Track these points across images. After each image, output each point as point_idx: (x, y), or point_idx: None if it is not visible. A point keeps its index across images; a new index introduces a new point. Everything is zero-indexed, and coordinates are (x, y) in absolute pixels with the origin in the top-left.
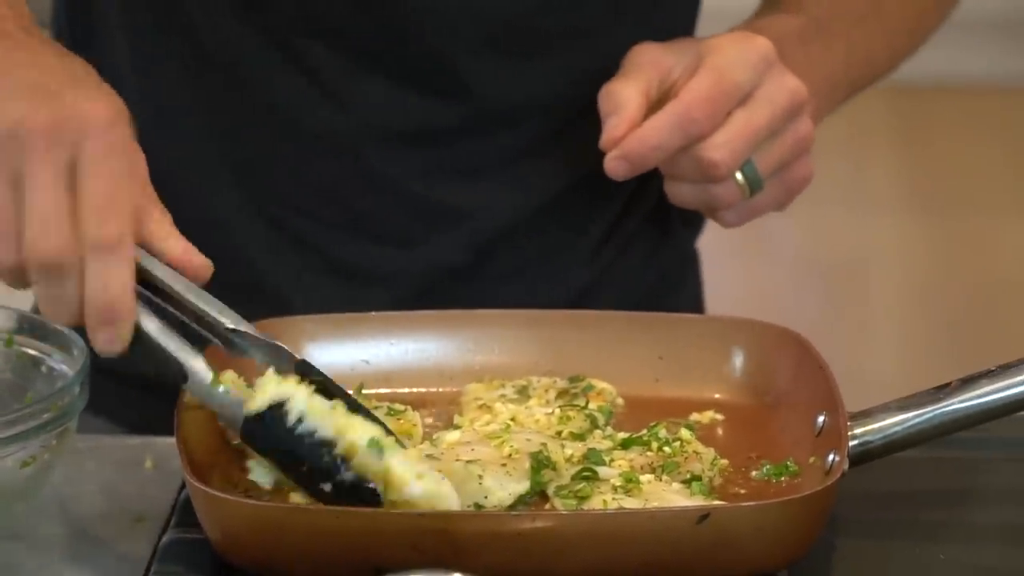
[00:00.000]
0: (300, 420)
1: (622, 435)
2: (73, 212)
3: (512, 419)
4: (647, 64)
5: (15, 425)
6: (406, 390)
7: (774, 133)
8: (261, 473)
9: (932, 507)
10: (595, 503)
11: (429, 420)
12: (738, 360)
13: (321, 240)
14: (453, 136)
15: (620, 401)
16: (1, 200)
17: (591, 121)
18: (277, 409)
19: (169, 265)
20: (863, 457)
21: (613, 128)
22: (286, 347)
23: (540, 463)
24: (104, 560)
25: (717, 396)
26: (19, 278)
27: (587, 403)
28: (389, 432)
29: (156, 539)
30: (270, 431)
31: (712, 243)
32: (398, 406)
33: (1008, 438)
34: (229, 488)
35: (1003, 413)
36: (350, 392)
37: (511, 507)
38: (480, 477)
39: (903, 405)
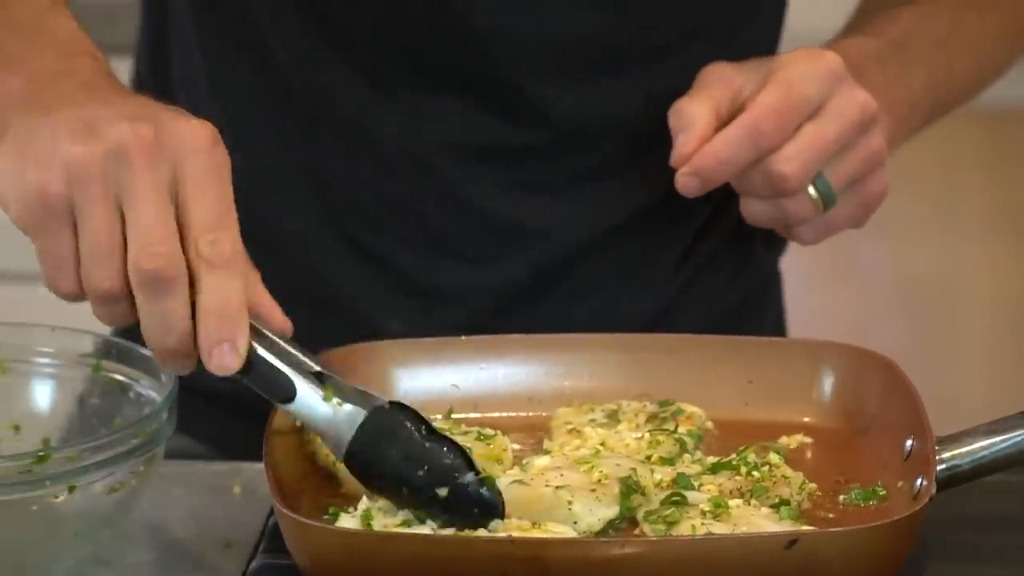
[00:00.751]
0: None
1: (711, 459)
2: (178, 228)
3: (602, 444)
4: (717, 82)
5: (103, 451)
6: (496, 414)
7: (845, 147)
8: (348, 520)
9: (1021, 531)
10: (684, 528)
11: (518, 445)
12: (827, 384)
13: (396, 256)
14: (527, 155)
15: (709, 425)
16: (104, 220)
17: (666, 142)
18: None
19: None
20: (951, 481)
21: (683, 144)
22: (373, 393)
23: (629, 488)
24: None
25: (806, 420)
26: (118, 302)
27: (676, 427)
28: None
29: (245, 565)
30: (371, 456)
31: (797, 265)
32: (488, 431)
33: None
34: (318, 514)
35: None
36: (438, 417)
37: (600, 532)
38: (570, 503)
39: (991, 429)
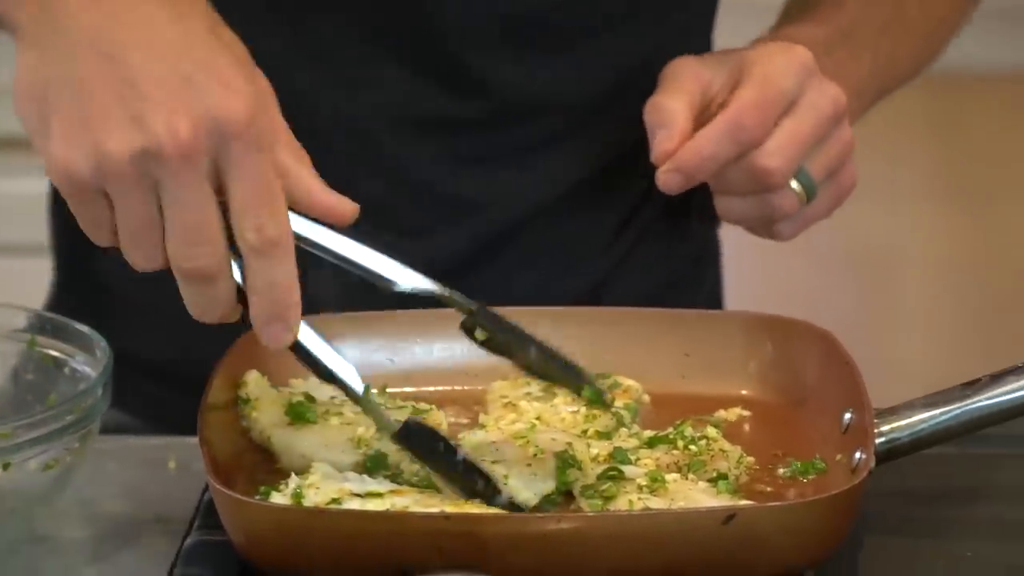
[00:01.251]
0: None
1: (648, 433)
2: (220, 219)
3: (538, 418)
4: (687, 77)
5: (37, 428)
6: (431, 388)
7: (820, 140)
8: (280, 497)
9: (960, 503)
10: (621, 503)
11: (454, 419)
12: (764, 356)
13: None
14: (468, 127)
15: (646, 398)
16: (139, 210)
17: (607, 117)
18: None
19: (320, 216)
20: (890, 454)
21: (665, 141)
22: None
23: (565, 463)
24: (127, 562)
25: (744, 393)
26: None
27: (613, 400)
28: None
29: (180, 540)
30: (418, 444)
31: (736, 236)
32: (423, 405)
33: None
34: (253, 489)
35: None
36: (374, 391)
37: (537, 507)
38: (506, 477)
39: (930, 402)
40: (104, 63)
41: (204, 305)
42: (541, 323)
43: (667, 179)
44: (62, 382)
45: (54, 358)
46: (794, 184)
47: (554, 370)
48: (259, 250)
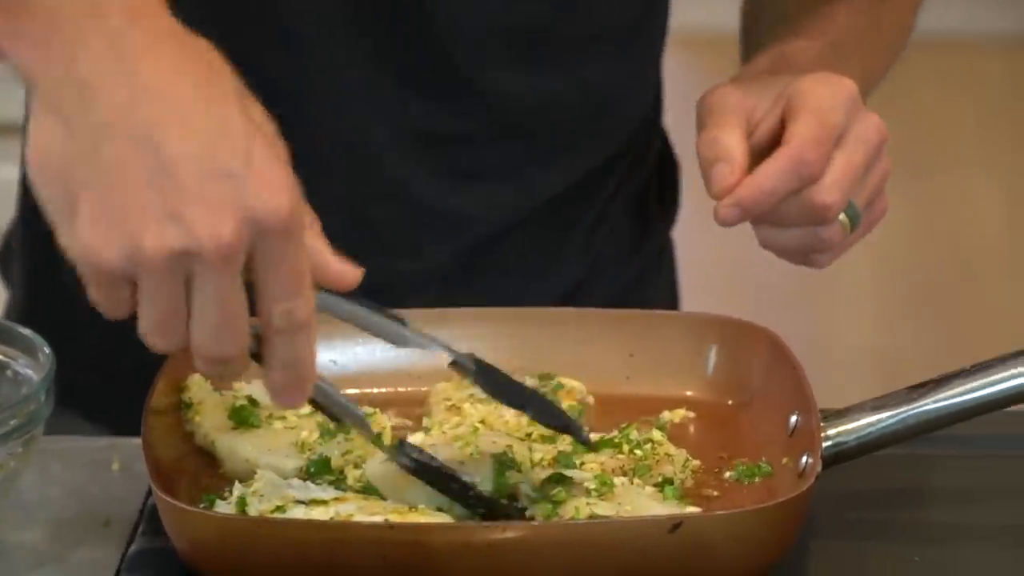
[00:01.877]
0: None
1: (593, 436)
2: (246, 314)
3: (481, 421)
4: (734, 108)
5: None
6: (375, 390)
7: (866, 172)
8: (223, 506)
9: (908, 506)
10: (569, 508)
11: (397, 421)
12: (710, 357)
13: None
14: (459, 141)
15: (591, 399)
16: (168, 301)
17: (596, 131)
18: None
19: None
20: (837, 458)
21: (726, 176)
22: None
23: (503, 465)
24: (73, 566)
25: (689, 394)
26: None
27: (559, 402)
28: None
29: (124, 544)
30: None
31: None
32: (367, 409)
33: (988, 435)
34: (197, 494)
35: (977, 413)
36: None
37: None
38: None
39: (877, 405)
40: (136, 148)
41: (217, 376)
42: (483, 323)
43: (727, 214)
44: (5, 385)
45: None
46: (841, 216)
47: (547, 422)
48: (287, 332)
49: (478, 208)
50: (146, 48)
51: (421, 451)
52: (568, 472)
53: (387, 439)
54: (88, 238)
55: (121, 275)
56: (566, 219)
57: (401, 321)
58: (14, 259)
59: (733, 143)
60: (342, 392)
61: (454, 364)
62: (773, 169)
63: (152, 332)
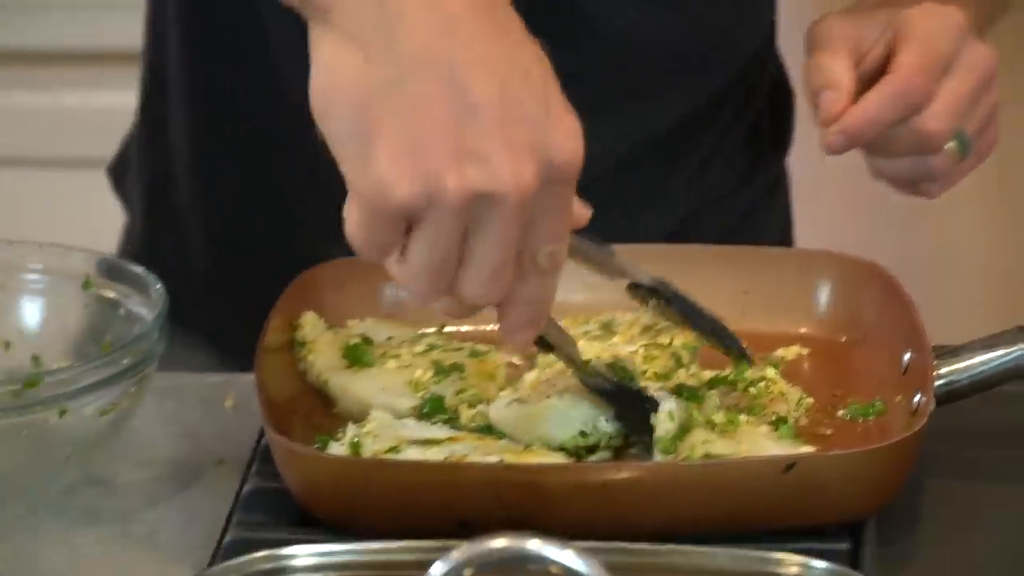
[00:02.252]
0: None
1: (707, 373)
2: (515, 260)
3: (596, 358)
4: (842, 36)
5: (94, 374)
6: (489, 327)
7: (974, 102)
8: (337, 448)
9: (1019, 444)
10: (686, 444)
11: (511, 359)
12: (824, 294)
13: None
14: (574, 78)
15: None
16: (447, 247)
17: (706, 64)
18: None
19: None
20: (949, 397)
21: (833, 103)
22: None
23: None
24: (185, 505)
25: (803, 331)
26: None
27: (671, 340)
28: None
29: (238, 483)
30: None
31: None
32: (481, 347)
33: None
34: (310, 434)
35: None
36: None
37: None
38: (585, 401)
39: (989, 344)
40: (444, 86)
41: (456, 315)
42: None
43: (833, 141)
44: (118, 324)
45: (110, 299)
46: (950, 144)
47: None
48: (546, 273)
49: (590, 144)
50: None
51: (604, 375)
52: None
53: (501, 379)
54: (384, 171)
55: (410, 213)
56: (677, 153)
57: (609, 251)
58: (128, 172)
59: (840, 70)
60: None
61: (633, 288)
62: (879, 97)
63: (421, 276)
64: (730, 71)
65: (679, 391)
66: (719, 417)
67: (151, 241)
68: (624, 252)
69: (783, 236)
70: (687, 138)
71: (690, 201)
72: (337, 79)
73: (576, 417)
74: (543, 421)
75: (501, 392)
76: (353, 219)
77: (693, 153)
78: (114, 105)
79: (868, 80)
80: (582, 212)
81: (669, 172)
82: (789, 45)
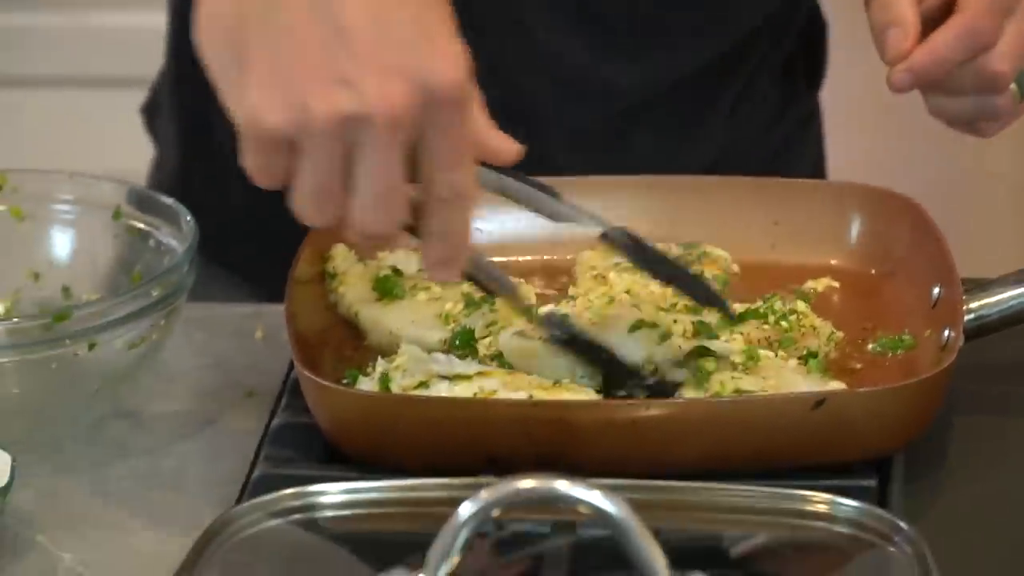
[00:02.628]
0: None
1: (738, 307)
2: (406, 188)
3: (627, 290)
4: None
5: (123, 307)
6: (521, 259)
7: None
8: (366, 383)
9: None
10: (714, 382)
11: (542, 291)
12: (854, 226)
13: None
14: (620, 17)
15: (735, 268)
16: (331, 171)
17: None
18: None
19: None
20: (979, 332)
21: (900, 41)
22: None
23: (642, 330)
24: (214, 438)
25: (833, 263)
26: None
27: (702, 270)
28: None
29: (268, 415)
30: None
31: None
32: (512, 280)
33: None
34: (341, 367)
35: None
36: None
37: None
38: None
39: (1019, 279)
40: (312, 12)
41: (368, 249)
42: (628, 192)
43: (900, 79)
44: (148, 255)
45: (140, 230)
46: (1012, 85)
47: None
48: (449, 202)
49: (628, 78)
50: None
51: (568, 321)
52: (712, 345)
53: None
54: (255, 99)
55: (284, 140)
56: (713, 90)
57: (554, 194)
58: (161, 112)
59: (906, 8)
60: (489, 260)
61: (604, 237)
62: (946, 36)
63: (308, 204)
64: (765, 7)
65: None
66: (737, 357)
67: (185, 177)
68: (655, 184)
69: (816, 169)
70: (722, 74)
71: (725, 136)
72: (216, 8)
73: (559, 364)
74: (535, 360)
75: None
76: (242, 147)
77: (728, 89)
78: (143, 24)
79: (932, 19)
80: (507, 147)
81: (705, 108)
82: None
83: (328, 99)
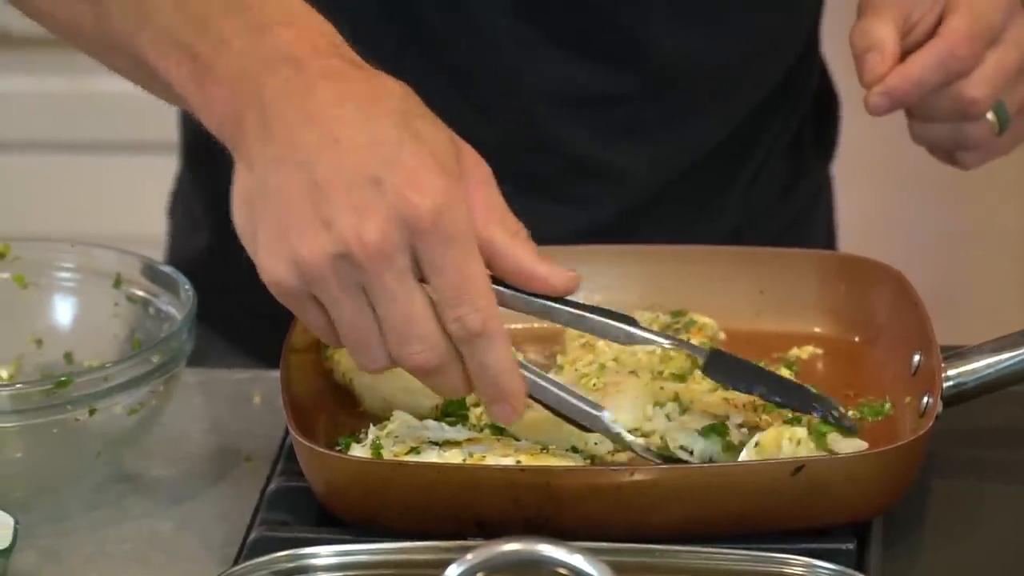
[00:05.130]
0: None
1: None
2: (429, 310)
3: (615, 359)
4: (891, 4)
5: (123, 373)
6: (511, 326)
7: (1019, 75)
8: (359, 450)
9: None
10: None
11: (532, 357)
12: (837, 294)
13: None
14: (622, 100)
15: (722, 336)
16: (352, 314)
17: (748, 79)
18: None
19: (531, 288)
20: (958, 398)
21: (877, 65)
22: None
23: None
24: (212, 502)
25: (817, 330)
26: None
27: (688, 339)
28: None
29: (264, 479)
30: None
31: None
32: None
33: None
34: (335, 433)
35: None
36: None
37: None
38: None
39: (997, 346)
40: (297, 170)
41: (443, 390)
42: (616, 260)
43: (876, 102)
44: (148, 322)
45: (140, 298)
46: (989, 115)
47: (788, 401)
48: (465, 340)
49: (636, 162)
50: (315, 82)
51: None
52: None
53: None
54: (265, 262)
55: (301, 293)
56: (728, 169)
57: (631, 321)
58: (179, 201)
59: (886, 34)
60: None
61: (705, 370)
62: (923, 60)
63: (353, 348)
64: (774, 80)
65: (708, 432)
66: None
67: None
68: (645, 253)
69: (827, 240)
70: (735, 153)
71: (738, 214)
72: (235, 191)
73: (569, 433)
74: (543, 428)
75: None
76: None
77: (743, 168)
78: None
79: (918, 48)
80: (551, 277)
81: (719, 188)
82: (834, 51)
83: (312, 243)
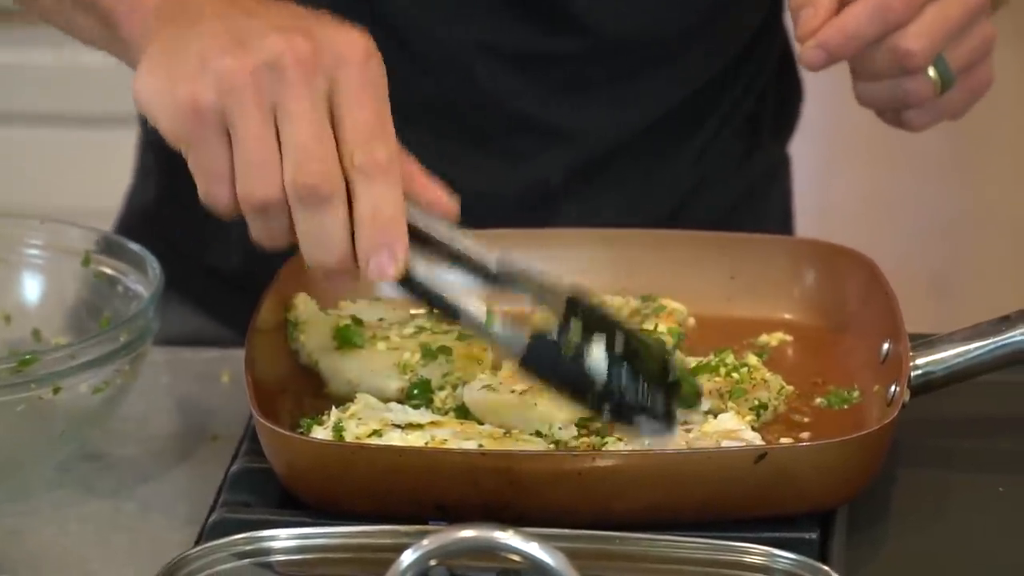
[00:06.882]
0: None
1: (691, 360)
2: (333, 141)
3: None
4: None
5: (89, 352)
6: None
7: (962, 30)
8: (321, 432)
9: (994, 435)
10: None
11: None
12: (808, 281)
13: (429, 152)
14: (563, 61)
15: (691, 321)
16: (259, 131)
17: (696, 49)
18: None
19: (423, 207)
20: (925, 388)
21: (810, 18)
22: (553, 282)
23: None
24: (178, 480)
25: (787, 317)
26: (274, 217)
27: (656, 326)
28: None
29: (230, 459)
30: (545, 362)
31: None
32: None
33: None
34: (300, 414)
35: None
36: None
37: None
38: (535, 405)
39: (966, 336)
40: (219, 21)
41: (318, 238)
42: (586, 244)
43: (811, 55)
44: (116, 300)
45: (108, 276)
46: (931, 72)
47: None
48: (367, 173)
49: (581, 122)
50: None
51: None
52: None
53: (487, 362)
54: (181, 90)
55: (210, 114)
56: (676, 139)
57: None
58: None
59: None
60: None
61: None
62: (857, 11)
63: (248, 176)
64: (734, 50)
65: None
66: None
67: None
68: (612, 236)
69: (782, 223)
70: (689, 120)
71: (689, 180)
72: (143, 61)
73: (533, 418)
74: (507, 413)
75: (480, 376)
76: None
77: (695, 136)
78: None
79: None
80: (439, 196)
81: (670, 154)
82: None
83: (235, 59)
